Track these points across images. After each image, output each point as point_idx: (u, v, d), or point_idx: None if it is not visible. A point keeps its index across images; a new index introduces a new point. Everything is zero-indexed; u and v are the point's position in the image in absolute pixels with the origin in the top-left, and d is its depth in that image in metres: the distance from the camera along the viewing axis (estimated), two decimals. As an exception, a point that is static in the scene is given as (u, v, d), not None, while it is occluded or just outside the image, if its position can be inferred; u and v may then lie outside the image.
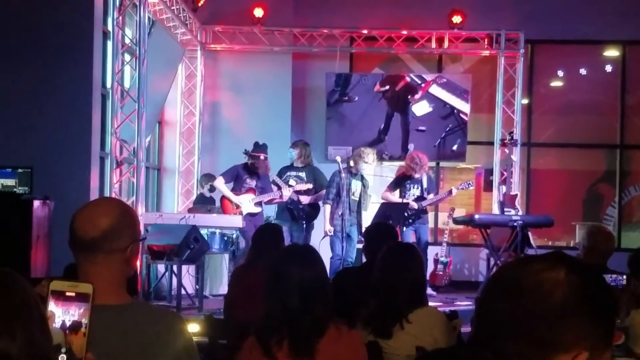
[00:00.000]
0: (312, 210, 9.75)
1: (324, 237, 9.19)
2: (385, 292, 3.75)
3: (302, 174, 9.74)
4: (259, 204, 9.67)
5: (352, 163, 9.25)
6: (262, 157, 9.59)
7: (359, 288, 4.08)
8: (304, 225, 9.71)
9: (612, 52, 12.35)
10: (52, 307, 1.65)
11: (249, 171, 9.68)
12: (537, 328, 1.16)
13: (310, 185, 9.67)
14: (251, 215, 9.56)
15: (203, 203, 10.39)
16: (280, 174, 9.77)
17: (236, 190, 9.68)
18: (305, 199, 9.68)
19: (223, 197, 9.77)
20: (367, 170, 9.33)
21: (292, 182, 9.68)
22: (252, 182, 9.67)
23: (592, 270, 1.25)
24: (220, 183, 9.74)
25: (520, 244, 9.42)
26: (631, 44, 12.16)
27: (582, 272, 1.22)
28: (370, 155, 9.24)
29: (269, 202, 9.76)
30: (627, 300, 4.00)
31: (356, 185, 9.24)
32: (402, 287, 3.72)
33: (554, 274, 1.19)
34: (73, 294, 1.69)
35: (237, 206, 9.61)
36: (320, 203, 9.55)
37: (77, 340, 1.65)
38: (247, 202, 9.62)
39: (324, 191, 9.49)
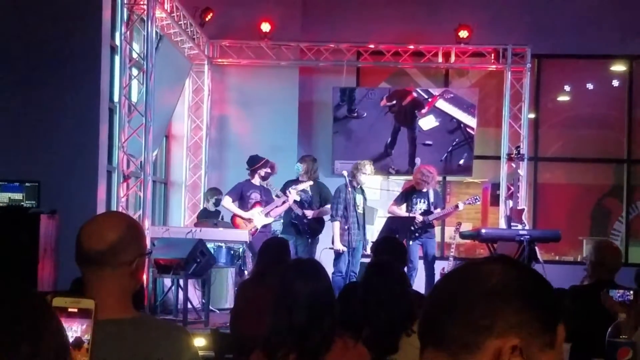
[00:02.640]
0: (317, 225, 9.75)
1: (326, 249, 9.19)
2: (390, 306, 3.75)
3: (307, 188, 9.76)
4: (268, 214, 9.71)
5: (352, 177, 9.26)
6: (264, 161, 9.71)
7: (366, 303, 4.06)
8: (309, 240, 9.71)
9: (619, 67, 12.35)
10: None
11: (252, 187, 9.73)
12: (472, 311, 1.21)
13: (310, 183, 9.65)
14: (263, 228, 9.60)
15: (207, 217, 10.39)
16: (285, 188, 9.78)
17: (243, 207, 9.73)
18: (309, 213, 9.68)
19: (234, 216, 9.80)
20: (366, 181, 9.38)
21: (296, 196, 9.69)
22: (257, 196, 9.72)
23: (530, 267, 1.31)
24: (228, 202, 9.78)
25: (527, 258, 9.39)
26: (638, 59, 12.15)
27: (519, 266, 1.29)
28: (367, 166, 9.30)
29: (276, 209, 9.77)
30: (634, 315, 3.97)
31: (360, 199, 9.28)
32: (396, 305, 3.72)
33: (492, 265, 1.26)
34: (75, 310, 1.68)
35: (250, 220, 9.64)
36: (326, 218, 9.55)
37: (81, 356, 1.65)
38: (257, 215, 9.66)
39: (328, 206, 9.51)
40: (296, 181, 9.82)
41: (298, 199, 9.62)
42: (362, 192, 9.39)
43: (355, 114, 11.77)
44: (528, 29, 11.81)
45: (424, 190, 9.78)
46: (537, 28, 11.81)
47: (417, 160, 11.57)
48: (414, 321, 3.69)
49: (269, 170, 9.76)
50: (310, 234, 9.70)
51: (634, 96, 12.21)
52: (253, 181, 9.78)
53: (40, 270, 7.01)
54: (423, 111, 11.78)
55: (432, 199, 9.85)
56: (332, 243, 9.20)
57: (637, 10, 11.82)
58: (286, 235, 9.29)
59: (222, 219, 10.30)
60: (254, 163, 9.78)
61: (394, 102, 11.78)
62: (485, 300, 1.21)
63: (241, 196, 9.76)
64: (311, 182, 9.71)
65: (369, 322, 3.78)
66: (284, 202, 9.63)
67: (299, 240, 9.64)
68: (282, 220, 9.95)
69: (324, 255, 8.96)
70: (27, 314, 1.08)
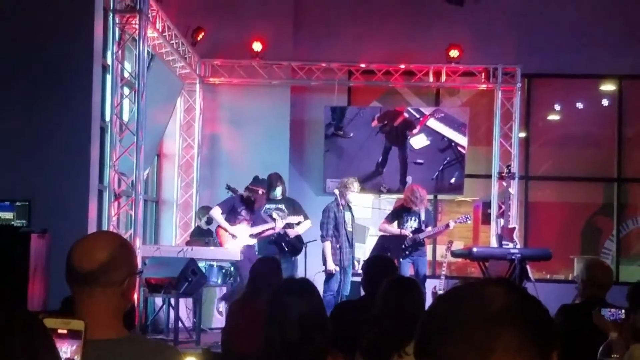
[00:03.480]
0: (297, 242, 9.74)
1: (318, 272, 9.14)
2: (386, 323, 3.75)
3: (282, 206, 9.72)
4: (252, 235, 9.70)
5: (341, 195, 9.26)
6: (260, 191, 9.64)
7: (358, 321, 4.06)
8: (292, 258, 9.68)
9: (608, 86, 12.42)
10: None
11: (245, 204, 9.72)
12: (475, 333, 1.21)
13: (301, 218, 9.67)
14: (247, 246, 9.57)
15: (200, 236, 10.38)
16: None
17: (230, 221, 9.71)
18: (292, 232, 9.64)
19: (219, 227, 9.80)
20: (355, 199, 9.40)
21: (274, 215, 9.66)
22: (246, 215, 9.71)
23: (530, 293, 1.31)
24: (217, 213, 9.77)
25: (518, 277, 9.40)
26: (627, 78, 12.23)
27: (521, 291, 1.30)
28: (354, 183, 9.33)
29: (260, 234, 9.76)
30: (625, 334, 3.98)
31: (348, 216, 9.29)
32: (402, 319, 3.72)
33: (494, 288, 1.27)
34: (65, 331, 1.68)
35: (234, 236, 9.62)
36: (300, 231, 9.56)
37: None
38: (242, 233, 9.65)
39: (304, 222, 9.55)
40: (269, 200, 9.72)
41: (282, 225, 9.61)
42: (350, 209, 9.40)
43: (342, 132, 11.77)
44: (518, 48, 11.88)
45: (415, 209, 9.80)
46: (526, 48, 11.89)
47: (409, 179, 11.59)
48: (412, 341, 3.69)
49: (251, 197, 9.71)
50: (293, 251, 9.67)
51: (624, 115, 12.27)
52: (245, 197, 9.79)
53: (31, 289, 6.98)
54: (414, 131, 11.81)
55: (423, 217, 9.87)
56: (324, 264, 9.16)
57: (625, 30, 11.91)
58: (268, 254, 9.30)
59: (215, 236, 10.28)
60: (252, 183, 9.76)
61: (385, 122, 11.80)
62: (489, 322, 1.22)
63: (232, 209, 9.76)
64: (301, 219, 9.67)
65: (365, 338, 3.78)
66: (270, 229, 9.64)
67: (282, 259, 9.59)
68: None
69: (317, 277, 8.92)
70: (21, 333, 1.07)
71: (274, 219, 9.59)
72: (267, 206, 9.72)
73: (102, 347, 2.10)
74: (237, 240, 9.60)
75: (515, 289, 1.28)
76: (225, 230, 9.68)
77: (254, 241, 9.70)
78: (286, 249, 9.62)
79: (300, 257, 9.74)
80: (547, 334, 1.25)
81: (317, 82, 11.93)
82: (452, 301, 1.28)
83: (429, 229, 9.89)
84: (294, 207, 9.77)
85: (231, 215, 9.75)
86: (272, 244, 9.63)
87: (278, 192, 9.77)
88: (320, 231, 9.22)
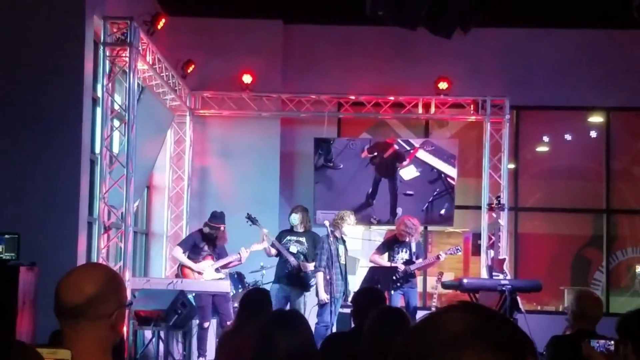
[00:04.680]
0: (308, 277, 9.67)
1: (317, 304, 9.12)
2: (374, 356, 3.73)
3: (303, 239, 9.66)
4: (218, 269, 9.70)
5: (335, 227, 9.29)
6: (221, 228, 9.70)
7: (348, 354, 4.05)
8: (303, 292, 9.61)
9: (596, 118, 12.51)
10: None
11: (207, 239, 9.73)
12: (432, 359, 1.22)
13: (265, 245, 9.59)
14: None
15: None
16: (280, 237, 9.72)
17: (194, 258, 9.72)
18: (309, 267, 9.53)
19: (182, 267, 9.77)
20: (349, 232, 9.40)
21: (292, 247, 9.59)
22: (209, 249, 9.73)
23: (491, 311, 1.31)
24: (178, 253, 9.77)
25: (509, 308, 9.39)
26: (615, 110, 12.33)
27: (478, 310, 1.30)
28: (351, 216, 9.41)
29: (227, 265, 9.78)
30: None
31: (342, 249, 9.29)
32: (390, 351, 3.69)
33: (451, 313, 1.29)
34: None
35: (200, 273, 9.61)
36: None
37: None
38: (208, 268, 9.65)
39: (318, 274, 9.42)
40: (291, 231, 9.75)
41: (246, 256, 9.59)
42: (344, 242, 9.41)
43: (332, 164, 11.78)
44: (506, 80, 11.97)
45: (407, 240, 9.81)
46: (515, 80, 11.98)
47: (399, 211, 11.59)
48: None
49: (213, 234, 9.72)
50: (304, 286, 9.59)
51: (612, 147, 12.35)
52: (206, 233, 9.80)
53: (19, 322, 6.92)
54: (404, 163, 11.83)
55: (414, 249, 9.88)
56: (317, 294, 9.15)
57: (614, 63, 12.03)
58: (280, 286, 9.28)
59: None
60: (212, 220, 9.77)
61: (375, 154, 11.83)
62: (446, 348, 1.22)
63: (194, 246, 9.76)
64: (265, 245, 9.64)
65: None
66: (237, 260, 9.64)
67: (293, 292, 9.54)
68: (275, 271, 9.81)
69: (313, 310, 8.91)
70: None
71: (239, 253, 9.61)
72: (288, 237, 9.67)
73: (90, 380, 2.09)
74: (205, 276, 9.60)
75: (473, 311, 1.29)
76: (190, 269, 9.67)
77: (220, 275, 9.71)
78: (298, 283, 9.52)
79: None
80: (511, 344, 1.24)
81: (306, 114, 11.98)
82: (415, 331, 1.30)
83: (420, 260, 9.89)
84: (314, 241, 9.65)
85: (193, 252, 9.75)
86: (286, 278, 9.48)
87: (293, 219, 9.71)
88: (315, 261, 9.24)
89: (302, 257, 9.55)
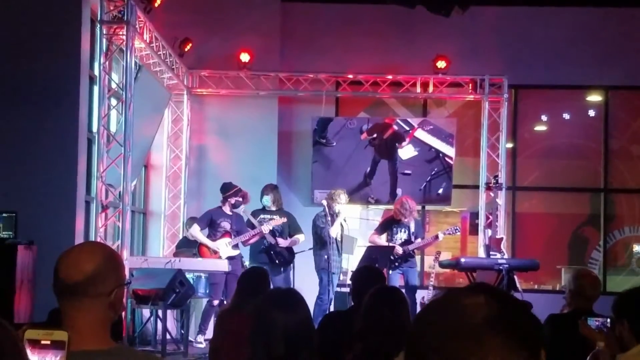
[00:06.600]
0: (288, 254, 9.76)
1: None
2: (371, 335, 3.72)
3: (276, 217, 9.75)
4: (236, 246, 9.68)
5: (328, 206, 9.34)
6: (239, 188, 9.71)
7: (346, 332, 4.05)
8: (282, 269, 9.69)
9: (595, 97, 12.49)
10: (29, 355, 1.64)
11: (223, 215, 9.71)
12: (460, 348, 1.21)
13: (285, 219, 9.68)
14: (229, 259, 9.54)
15: (187, 247, 10.34)
16: (254, 215, 9.79)
17: (212, 235, 9.69)
18: (282, 242, 9.67)
19: (200, 245, 9.75)
20: (342, 210, 9.42)
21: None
22: (227, 225, 9.69)
23: (512, 297, 1.30)
24: (196, 231, 9.72)
25: (506, 287, 9.41)
26: (613, 89, 12.31)
27: (501, 297, 1.28)
28: (342, 195, 9.45)
29: (248, 240, 9.75)
30: (612, 344, 3.99)
31: (338, 226, 9.34)
32: (388, 331, 3.70)
33: (474, 298, 1.26)
34: (48, 342, 1.68)
35: (215, 252, 9.60)
36: (296, 249, 9.65)
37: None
38: (224, 247, 9.63)
39: (299, 236, 9.70)
40: (264, 210, 9.82)
41: (269, 228, 9.63)
42: (342, 218, 9.42)
43: (324, 140, 11.75)
44: (505, 59, 11.93)
45: (405, 221, 9.82)
46: (513, 59, 11.95)
47: (399, 191, 11.59)
48: (399, 352, 3.67)
49: (239, 199, 9.74)
50: (283, 263, 9.70)
51: (610, 126, 12.35)
52: (224, 209, 9.75)
53: (17, 301, 6.94)
54: (404, 143, 11.81)
55: (412, 229, 9.88)
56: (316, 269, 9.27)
57: (612, 41, 11.99)
58: (258, 264, 9.30)
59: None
60: (226, 190, 9.76)
61: (375, 135, 11.80)
62: (472, 336, 1.22)
63: (211, 223, 9.74)
64: (285, 219, 9.70)
65: (352, 349, 3.75)
66: (256, 234, 9.63)
67: (272, 269, 9.60)
68: (249, 249, 9.94)
69: (308, 287, 8.95)
70: None
71: (260, 224, 9.59)
72: (262, 216, 9.72)
73: (89, 358, 2.09)
74: (221, 254, 9.59)
75: (495, 296, 1.28)
76: (207, 246, 9.66)
77: (236, 252, 9.69)
78: (276, 260, 9.62)
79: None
80: (532, 335, 1.25)
81: (304, 93, 11.95)
82: (434, 316, 1.27)
83: (418, 240, 9.91)
84: (288, 219, 9.78)
85: (212, 229, 9.73)
86: (263, 253, 9.64)
87: (266, 200, 9.79)
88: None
89: (277, 233, 9.69)
